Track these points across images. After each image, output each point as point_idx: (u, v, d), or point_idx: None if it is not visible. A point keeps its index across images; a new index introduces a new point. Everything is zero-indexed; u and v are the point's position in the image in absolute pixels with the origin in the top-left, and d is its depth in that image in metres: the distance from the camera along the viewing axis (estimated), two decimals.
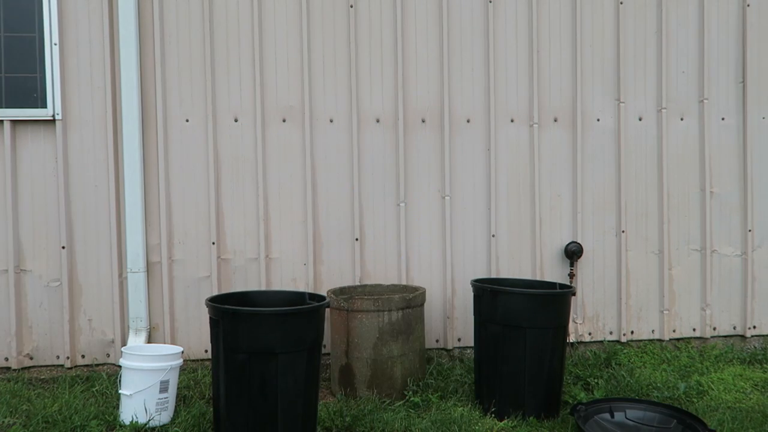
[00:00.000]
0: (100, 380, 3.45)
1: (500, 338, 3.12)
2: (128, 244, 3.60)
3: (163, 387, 2.96)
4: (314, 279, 3.80)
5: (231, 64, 3.72)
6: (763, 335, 4.20)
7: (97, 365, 3.64)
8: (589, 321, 4.05)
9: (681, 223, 4.11)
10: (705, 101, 4.10)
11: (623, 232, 4.04)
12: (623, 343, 4.04)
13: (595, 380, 3.51)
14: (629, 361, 3.85)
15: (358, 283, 3.81)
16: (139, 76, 3.60)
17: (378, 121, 3.84)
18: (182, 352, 3.15)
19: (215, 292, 3.64)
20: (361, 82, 3.83)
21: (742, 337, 4.18)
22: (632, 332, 4.08)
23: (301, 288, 3.78)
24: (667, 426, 2.78)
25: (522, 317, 3.06)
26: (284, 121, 3.77)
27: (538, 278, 3.93)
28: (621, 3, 4.02)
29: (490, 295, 3.17)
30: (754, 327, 4.18)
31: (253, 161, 3.74)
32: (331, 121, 3.81)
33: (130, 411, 2.92)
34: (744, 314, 4.17)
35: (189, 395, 3.29)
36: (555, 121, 3.99)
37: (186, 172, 3.70)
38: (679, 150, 4.11)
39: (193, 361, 3.69)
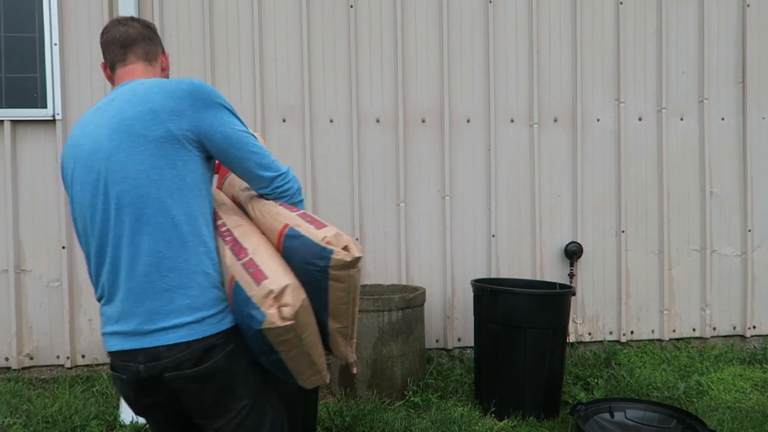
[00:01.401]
0: (101, 380, 3.45)
1: (500, 338, 3.13)
2: None
3: None
4: None
5: (231, 64, 3.72)
6: (762, 335, 4.20)
7: (98, 365, 3.64)
8: (589, 321, 4.05)
9: (681, 223, 4.11)
10: (705, 101, 4.10)
11: (623, 232, 4.04)
12: (623, 343, 4.04)
13: (595, 380, 3.52)
14: (629, 361, 3.85)
15: None
16: None
17: (378, 121, 3.84)
18: None
19: None
20: (361, 82, 3.83)
21: (742, 337, 4.18)
22: (632, 332, 4.08)
23: None
24: (667, 426, 2.78)
25: (522, 317, 3.06)
26: (284, 121, 3.77)
27: (538, 278, 3.93)
28: (621, 3, 4.02)
29: (490, 295, 3.17)
30: (754, 327, 4.18)
31: None
32: (331, 121, 3.81)
33: (130, 411, 2.92)
34: (744, 314, 4.17)
35: None
36: (555, 121, 3.99)
37: None
38: (679, 150, 4.11)
39: None
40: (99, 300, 1.51)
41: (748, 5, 4.12)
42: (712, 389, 3.48)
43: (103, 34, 1.61)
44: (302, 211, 1.56)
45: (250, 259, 1.43)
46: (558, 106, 3.99)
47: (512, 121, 3.96)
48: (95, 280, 1.51)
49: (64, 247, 3.59)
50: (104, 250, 1.45)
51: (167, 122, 1.42)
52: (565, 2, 3.99)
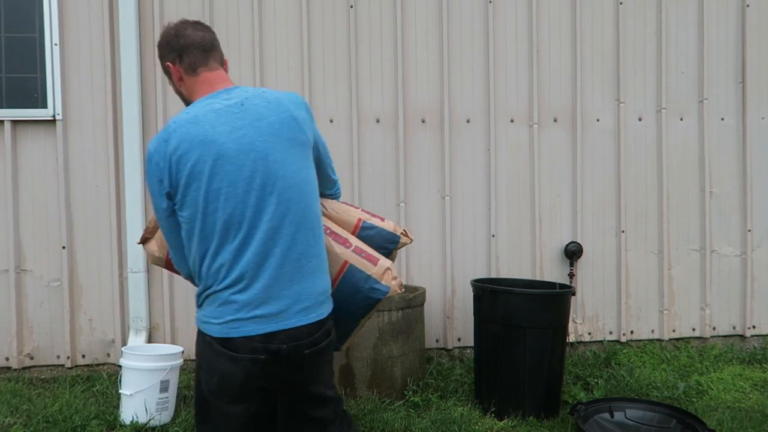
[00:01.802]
0: (101, 380, 3.45)
1: (500, 338, 3.13)
2: (128, 244, 3.60)
3: (164, 387, 2.97)
4: None
5: (231, 65, 3.69)
6: (762, 335, 4.20)
7: (98, 365, 3.64)
8: (589, 321, 4.06)
9: (680, 223, 4.12)
10: (704, 101, 4.11)
11: (623, 232, 4.05)
12: (623, 342, 4.05)
13: (595, 380, 3.52)
14: (629, 360, 3.85)
15: None
16: (139, 76, 3.60)
17: (378, 121, 3.84)
18: (182, 351, 3.16)
19: None
20: (361, 82, 3.83)
21: (742, 336, 4.19)
22: (632, 332, 4.08)
23: None
24: (667, 426, 2.79)
25: (522, 317, 3.07)
26: None
27: (538, 278, 3.93)
28: (621, 3, 4.02)
29: (490, 295, 3.17)
30: (754, 327, 4.18)
31: None
32: (331, 121, 3.81)
33: (130, 411, 2.93)
34: (743, 314, 4.17)
35: (189, 395, 3.29)
36: (555, 121, 4.00)
37: None
38: (678, 150, 4.11)
39: (194, 360, 3.68)
40: (224, 289, 1.57)
41: (747, 5, 4.12)
42: (712, 389, 3.49)
43: (177, 36, 1.71)
44: (361, 208, 2.01)
45: (357, 246, 1.81)
46: (558, 106, 4.00)
47: (512, 121, 3.96)
48: (227, 270, 1.56)
49: (64, 247, 3.59)
50: (250, 240, 1.56)
51: (306, 130, 1.67)
52: (565, 2, 3.99)
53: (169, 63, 1.72)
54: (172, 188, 1.58)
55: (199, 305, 1.65)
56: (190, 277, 1.71)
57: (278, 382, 1.65)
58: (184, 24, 1.74)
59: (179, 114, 1.61)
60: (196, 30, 1.72)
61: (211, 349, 1.60)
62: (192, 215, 1.57)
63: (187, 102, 1.73)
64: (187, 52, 1.69)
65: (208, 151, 1.55)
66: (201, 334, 1.65)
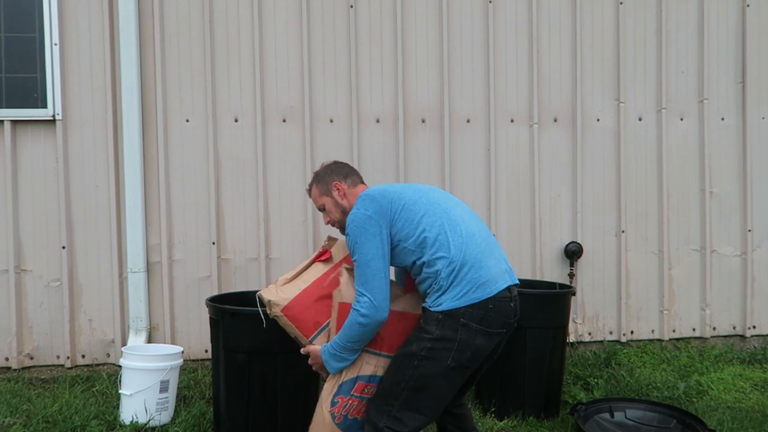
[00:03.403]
0: (101, 380, 3.45)
1: None
2: (128, 244, 3.60)
3: (164, 387, 2.97)
4: None
5: (231, 64, 3.72)
6: (762, 335, 4.20)
7: (98, 365, 3.64)
8: (589, 321, 4.05)
9: (681, 223, 4.11)
10: (705, 101, 4.11)
11: (623, 232, 4.05)
12: (623, 343, 4.04)
13: (595, 380, 3.52)
14: (629, 361, 3.85)
15: None
16: (139, 76, 3.60)
17: (378, 121, 3.84)
18: (182, 351, 3.15)
19: (215, 292, 3.64)
20: (361, 82, 3.83)
21: (742, 337, 4.19)
22: (632, 332, 4.08)
23: None
24: (667, 426, 2.79)
25: (522, 317, 3.04)
26: (284, 121, 3.77)
27: (538, 278, 3.93)
28: (621, 3, 4.02)
29: None
30: (754, 327, 4.18)
31: (253, 161, 3.74)
32: (331, 121, 3.81)
33: (130, 411, 2.92)
34: (743, 314, 4.17)
35: (189, 395, 3.30)
36: (555, 121, 3.99)
37: (186, 172, 3.70)
38: (678, 150, 4.11)
39: (193, 360, 3.69)
40: (461, 269, 1.97)
41: (747, 5, 4.12)
42: (712, 389, 3.48)
43: (340, 166, 2.42)
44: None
45: None
46: (558, 106, 4.00)
47: (512, 121, 3.96)
48: (464, 255, 2.01)
49: (64, 247, 3.59)
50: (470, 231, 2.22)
51: None
52: (565, 2, 3.99)
53: (337, 182, 2.33)
54: (391, 220, 2.06)
55: (445, 289, 1.96)
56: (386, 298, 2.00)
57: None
58: (340, 162, 2.46)
59: (368, 192, 2.17)
60: (349, 165, 2.46)
61: (467, 330, 1.92)
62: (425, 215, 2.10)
63: (344, 211, 2.29)
64: (349, 176, 2.39)
65: (419, 195, 2.17)
66: (449, 317, 1.93)
